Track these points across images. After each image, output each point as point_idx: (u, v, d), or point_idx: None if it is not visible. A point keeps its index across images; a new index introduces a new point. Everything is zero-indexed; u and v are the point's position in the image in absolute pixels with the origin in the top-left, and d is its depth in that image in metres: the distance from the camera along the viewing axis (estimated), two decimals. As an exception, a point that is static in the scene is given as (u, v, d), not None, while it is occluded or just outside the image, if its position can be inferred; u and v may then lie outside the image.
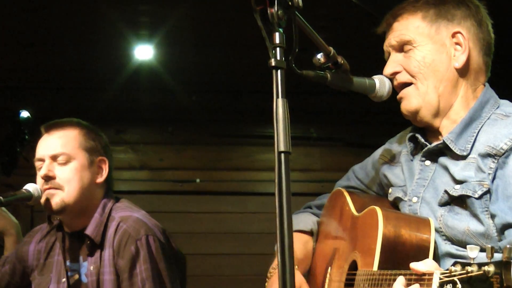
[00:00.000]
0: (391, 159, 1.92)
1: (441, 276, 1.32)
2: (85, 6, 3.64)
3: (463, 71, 1.69)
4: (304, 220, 2.09)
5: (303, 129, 5.05)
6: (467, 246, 1.30)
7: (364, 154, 2.06)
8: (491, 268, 1.23)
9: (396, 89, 1.78)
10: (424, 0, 1.76)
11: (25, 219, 4.20)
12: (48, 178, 2.01)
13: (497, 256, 1.26)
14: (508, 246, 1.24)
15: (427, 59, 1.70)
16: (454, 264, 1.29)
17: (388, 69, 1.77)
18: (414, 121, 1.77)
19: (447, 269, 1.31)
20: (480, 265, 1.25)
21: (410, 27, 1.74)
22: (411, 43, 1.72)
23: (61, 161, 2.04)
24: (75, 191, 2.03)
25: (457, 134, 1.67)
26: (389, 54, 1.79)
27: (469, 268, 1.26)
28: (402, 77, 1.74)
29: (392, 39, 1.77)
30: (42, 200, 2.01)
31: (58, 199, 2.00)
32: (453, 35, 1.71)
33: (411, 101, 1.72)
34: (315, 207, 2.17)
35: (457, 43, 1.71)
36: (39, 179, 2.07)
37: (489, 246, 1.26)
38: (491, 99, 1.73)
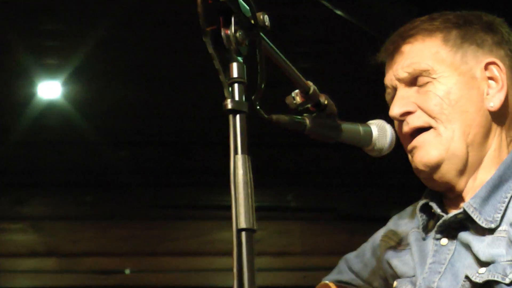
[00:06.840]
0: (399, 241, 1.96)
1: None
2: None
3: (499, 115, 1.67)
4: None
5: (277, 197, 4.54)
6: None
7: (363, 231, 2.07)
8: None
9: (404, 138, 1.74)
10: (443, 18, 1.72)
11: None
12: None
13: None
14: None
15: (452, 95, 1.66)
16: None
17: (396, 109, 1.72)
18: (431, 180, 1.73)
19: None
20: None
21: (426, 52, 1.72)
22: (429, 74, 1.69)
23: None
24: None
25: (483, 200, 1.65)
26: (395, 90, 1.76)
27: None
28: (417, 120, 1.69)
29: (400, 69, 1.72)
30: None
31: None
32: (486, 66, 1.68)
33: (430, 151, 1.69)
34: None
35: (490, 78, 1.68)
36: None
37: None
38: None
